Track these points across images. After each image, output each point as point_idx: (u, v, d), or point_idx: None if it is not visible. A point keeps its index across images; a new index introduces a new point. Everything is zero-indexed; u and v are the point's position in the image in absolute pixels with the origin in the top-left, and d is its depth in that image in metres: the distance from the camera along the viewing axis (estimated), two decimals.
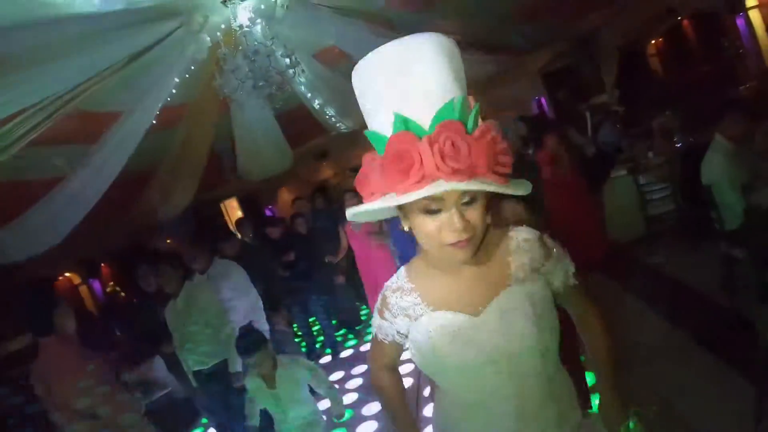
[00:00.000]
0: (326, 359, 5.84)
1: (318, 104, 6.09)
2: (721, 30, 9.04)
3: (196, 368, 3.86)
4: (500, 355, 1.22)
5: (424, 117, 1.02)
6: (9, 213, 4.36)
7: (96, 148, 4.30)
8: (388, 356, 1.52)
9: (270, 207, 12.64)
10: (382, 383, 1.60)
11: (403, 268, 1.39)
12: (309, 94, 5.84)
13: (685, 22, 9.91)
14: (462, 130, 1.01)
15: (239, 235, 5.75)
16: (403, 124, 1.02)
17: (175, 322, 3.82)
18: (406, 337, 1.35)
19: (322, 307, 5.83)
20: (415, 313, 1.30)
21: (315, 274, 5.73)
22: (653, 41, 10.76)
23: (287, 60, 4.05)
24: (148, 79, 3.94)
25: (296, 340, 6.09)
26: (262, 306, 4.24)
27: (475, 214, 1.11)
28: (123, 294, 9.39)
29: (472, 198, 1.09)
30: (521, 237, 1.31)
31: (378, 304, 1.40)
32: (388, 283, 1.39)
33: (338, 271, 5.87)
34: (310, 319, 6.15)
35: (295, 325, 6.12)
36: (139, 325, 4.77)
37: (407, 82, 1.03)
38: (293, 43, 4.27)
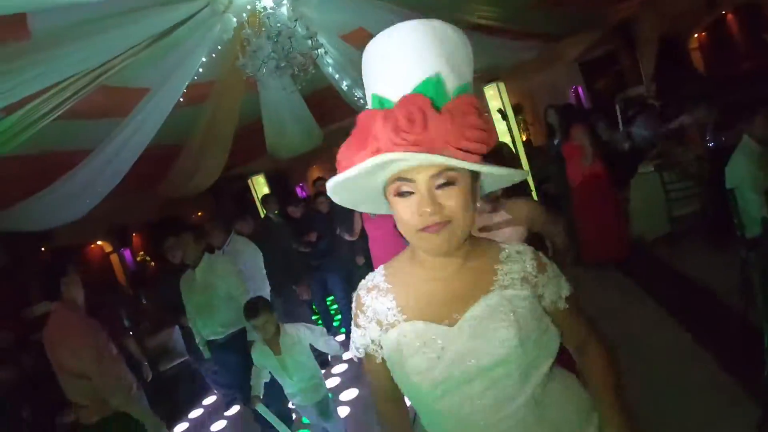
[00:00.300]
0: (341, 338, 5.93)
1: (346, 85, 6.07)
2: (765, 25, 8.64)
3: (210, 338, 3.94)
4: (475, 371, 1.10)
5: (399, 97, 1.02)
6: (39, 184, 4.54)
7: (125, 122, 4.42)
8: (378, 380, 1.32)
9: (301, 185, 12.77)
10: (381, 415, 1.40)
11: (382, 266, 1.29)
12: (337, 76, 5.84)
13: (729, 15, 9.49)
14: (425, 104, 0.97)
15: (264, 211, 5.85)
16: (379, 103, 1.04)
17: (189, 292, 3.91)
18: (381, 348, 1.23)
19: (341, 286, 5.85)
20: (387, 321, 1.19)
21: (335, 253, 5.77)
22: (696, 35, 10.36)
23: (309, 41, 4.07)
24: (176, 57, 4.02)
25: (314, 317, 6.21)
26: (268, 291, 4.30)
27: (451, 198, 1.03)
28: (153, 263, 9.68)
29: (447, 181, 1.02)
30: (515, 248, 1.23)
31: (353, 307, 1.28)
32: (362, 282, 1.29)
33: (358, 251, 5.88)
34: (329, 298, 6.23)
35: (313, 303, 6.23)
36: (162, 295, 4.94)
37: (388, 66, 1.03)
38: (318, 24, 4.28)
